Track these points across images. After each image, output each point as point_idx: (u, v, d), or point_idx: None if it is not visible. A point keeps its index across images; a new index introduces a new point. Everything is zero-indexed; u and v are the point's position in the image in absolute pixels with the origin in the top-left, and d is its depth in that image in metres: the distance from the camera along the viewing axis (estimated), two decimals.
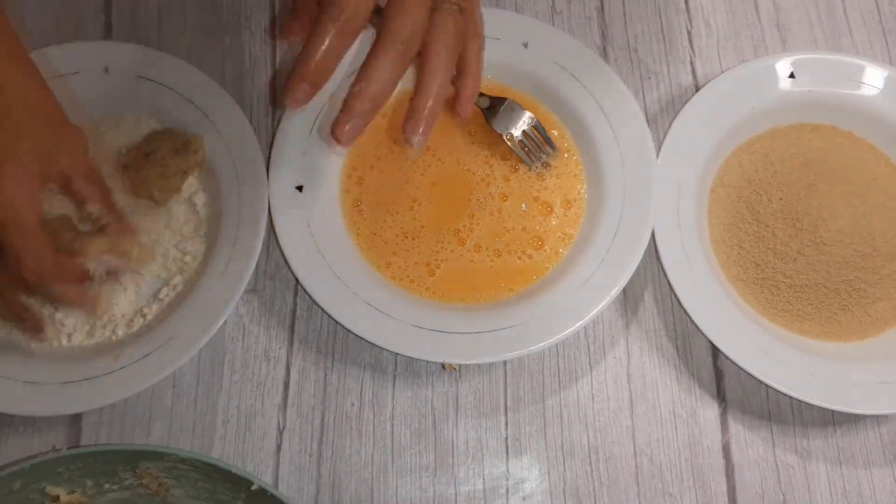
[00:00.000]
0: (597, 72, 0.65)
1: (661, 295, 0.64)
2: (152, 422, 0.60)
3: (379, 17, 0.49)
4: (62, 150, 0.52)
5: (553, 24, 0.70)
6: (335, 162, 0.64)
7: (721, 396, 0.62)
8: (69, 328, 0.59)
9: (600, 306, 0.59)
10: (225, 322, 0.60)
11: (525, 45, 0.66)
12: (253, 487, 0.52)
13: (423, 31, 0.49)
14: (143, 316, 0.60)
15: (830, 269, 0.61)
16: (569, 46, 0.66)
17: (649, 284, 0.64)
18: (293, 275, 0.60)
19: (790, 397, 0.60)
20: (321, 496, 0.58)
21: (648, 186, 0.62)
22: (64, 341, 0.59)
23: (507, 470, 0.59)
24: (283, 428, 0.60)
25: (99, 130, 0.63)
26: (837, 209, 0.61)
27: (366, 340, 0.58)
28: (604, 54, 0.70)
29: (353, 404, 0.61)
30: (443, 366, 0.61)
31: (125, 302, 0.60)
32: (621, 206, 0.62)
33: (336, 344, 0.62)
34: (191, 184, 0.62)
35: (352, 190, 0.64)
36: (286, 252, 0.60)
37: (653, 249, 0.62)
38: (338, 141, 0.48)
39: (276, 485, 0.58)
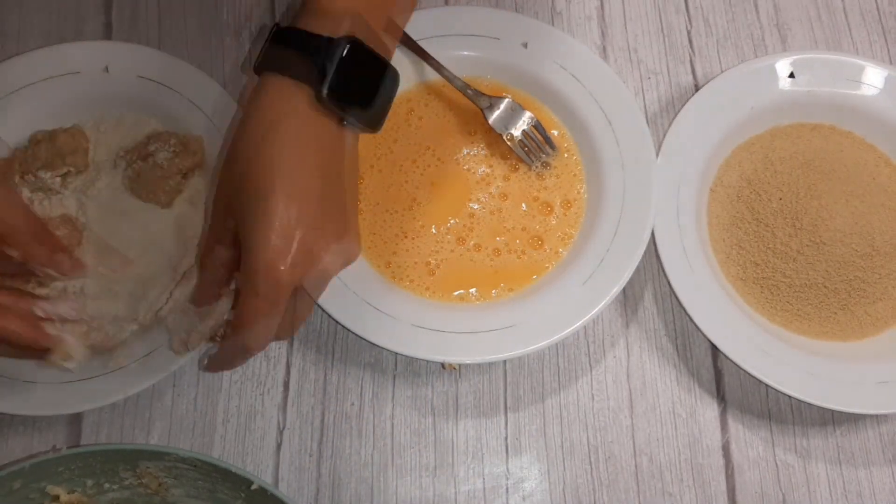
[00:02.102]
0: (597, 72, 0.65)
1: (661, 295, 0.64)
2: (152, 421, 0.60)
3: None
4: None
5: (553, 24, 0.70)
6: None
7: (721, 396, 0.62)
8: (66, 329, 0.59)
9: (600, 306, 0.59)
10: None
11: (525, 45, 0.66)
12: (253, 487, 0.52)
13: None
14: (143, 316, 0.60)
15: (830, 268, 0.61)
16: (569, 46, 0.66)
17: (649, 284, 0.64)
18: None
19: (790, 397, 0.60)
20: (321, 495, 0.58)
21: (648, 186, 0.62)
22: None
23: (507, 469, 0.59)
24: (283, 427, 0.60)
25: (99, 130, 0.63)
26: (837, 209, 0.61)
27: (366, 340, 0.58)
28: (604, 54, 0.70)
29: (353, 404, 0.61)
30: (443, 366, 0.61)
31: (124, 302, 0.60)
32: (621, 206, 0.62)
33: (336, 344, 0.62)
34: (191, 184, 0.62)
35: None
36: None
37: (653, 249, 0.62)
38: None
39: (276, 484, 0.58)
